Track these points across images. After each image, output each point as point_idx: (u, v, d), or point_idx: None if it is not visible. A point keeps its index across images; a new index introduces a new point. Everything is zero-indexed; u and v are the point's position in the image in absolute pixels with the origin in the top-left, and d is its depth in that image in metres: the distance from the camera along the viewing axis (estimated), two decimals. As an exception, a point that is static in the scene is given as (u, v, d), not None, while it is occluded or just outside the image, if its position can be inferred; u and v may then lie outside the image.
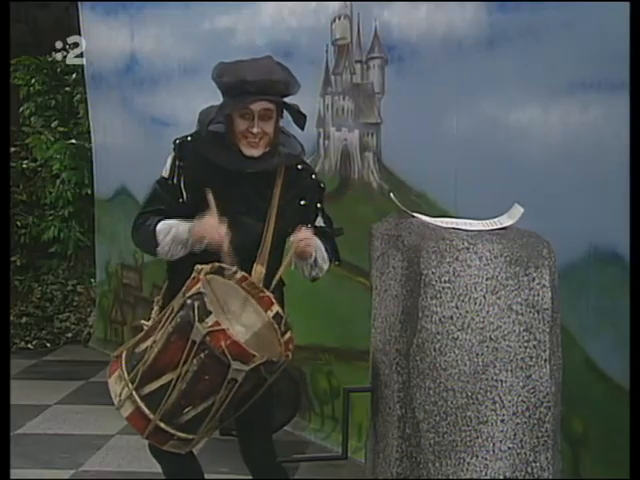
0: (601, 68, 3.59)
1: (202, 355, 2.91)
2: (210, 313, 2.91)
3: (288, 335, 3.16)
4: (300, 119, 3.41)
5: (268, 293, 3.22)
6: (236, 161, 3.34)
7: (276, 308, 3.19)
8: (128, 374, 3.03)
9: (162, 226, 3.34)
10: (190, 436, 3.07)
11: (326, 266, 3.43)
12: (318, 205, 3.48)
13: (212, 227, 3.23)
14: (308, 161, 3.74)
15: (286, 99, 3.37)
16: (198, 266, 3.09)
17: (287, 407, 3.37)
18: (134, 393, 3.00)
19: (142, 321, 3.36)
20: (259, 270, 3.29)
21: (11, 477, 3.30)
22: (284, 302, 3.48)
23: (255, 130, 3.29)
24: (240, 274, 3.20)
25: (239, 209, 3.35)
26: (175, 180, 3.43)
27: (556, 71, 3.79)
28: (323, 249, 3.40)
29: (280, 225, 3.35)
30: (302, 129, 3.44)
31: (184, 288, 3.07)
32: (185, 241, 3.29)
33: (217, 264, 3.14)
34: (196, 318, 2.91)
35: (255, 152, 3.32)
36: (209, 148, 3.40)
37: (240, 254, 3.27)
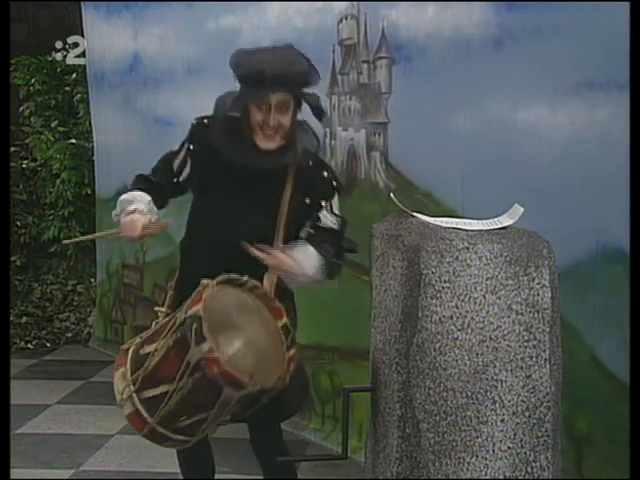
0: (608, 68, 3.60)
1: (196, 375, 2.92)
2: (205, 339, 2.90)
3: (292, 351, 3.14)
4: (319, 110, 3.35)
5: (279, 304, 3.19)
6: (249, 155, 3.29)
7: (285, 320, 3.17)
8: (131, 374, 3.05)
9: (125, 196, 3.36)
10: (188, 438, 3.10)
11: (320, 274, 3.33)
12: (323, 203, 3.40)
13: (131, 226, 3.23)
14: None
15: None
16: (204, 281, 3.05)
17: (297, 395, 3.35)
18: (134, 395, 3.02)
19: (156, 307, 3.37)
20: (270, 279, 3.25)
21: (11, 477, 3.30)
22: (295, 307, 3.47)
23: (271, 122, 3.23)
24: (251, 283, 3.17)
25: (247, 205, 3.32)
26: (180, 160, 3.42)
27: (563, 71, 3.79)
28: (314, 258, 3.30)
29: (290, 228, 3.32)
30: (320, 120, 3.40)
31: (188, 301, 3.04)
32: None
33: (227, 275, 3.12)
34: (192, 341, 2.91)
35: (271, 145, 3.27)
36: (223, 140, 3.35)
37: (242, 256, 3.23)
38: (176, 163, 3.43)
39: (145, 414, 3.02)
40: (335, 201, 3.43)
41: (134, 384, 3.02)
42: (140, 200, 3.32)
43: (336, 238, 3.42)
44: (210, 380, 2.91)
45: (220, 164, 3.32)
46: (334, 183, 3.44)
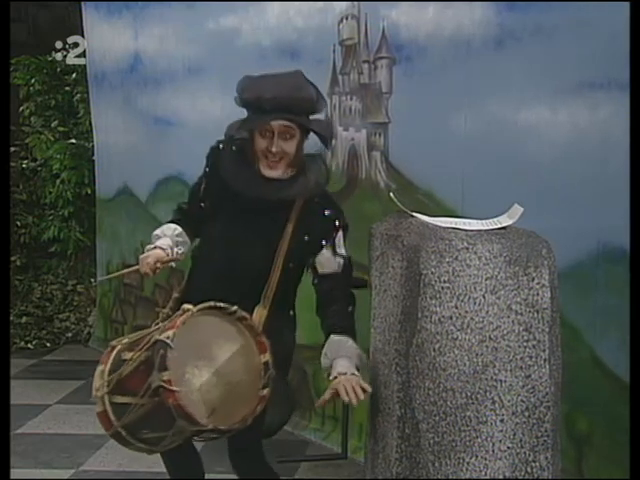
0: (610, 68, 3.60)
1: (155, 399, 2.95)
2: (167, 369, 2.91)
3: (266, 391, 3.11)
4: (326, 139, 3.30)
5: (265, 340, 3.15)
6: (254, 184, 3.25)
7: (267, 357, 3.13)
8: (109, 375, 3.08)
9: (156, 231, 3.42)
10: (151, 448, 3.15)
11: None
12: (323, 242, 3.30)
13: (144, 263, 3.26)
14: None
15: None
16: (185, 306, 3.05)
17: (279, 411, 3.32)
18: (106, 397, 3.07)
19: (158, 308, 3.38)
20: (261, 313, 3.22)
21: (11, 477, 3.30)
22: (296, 326, 3.45)
23: (274, 149, 3.18)
24: (240, 313, 3.14)
25: (251, 235, 3.29)
26: (203, 185, 3.42)
27: (564, 71, 3.79)
28: (349, 347, 3.21)
29: (289, 262, 3.28)
30: (327, 148, 3.36)
31: (167, 322, 3.05)
32: None
33: (213, 303, 3.09)
34: (156, 366, 2.93)
35: (274, 173, 3.22)
36: (228, 167, 3.31)
37: (240, 283, 3.24)
38: (201, 188, 3.44)
39: (112, 417, 3.07)
40: (339, 239, 3.33)
41: (108, 385, 3.06)
42: (168, 234, 3.37)
43: (341, 281, 3.33)
44: (167, 407, 2.93)
45: (228, 191, 3.30)
46: (336, 222, 3.33)
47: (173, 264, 3.37)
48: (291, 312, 3.43)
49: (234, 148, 3.32)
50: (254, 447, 3.42)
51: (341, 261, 3.33)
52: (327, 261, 3.32)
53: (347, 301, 3.32)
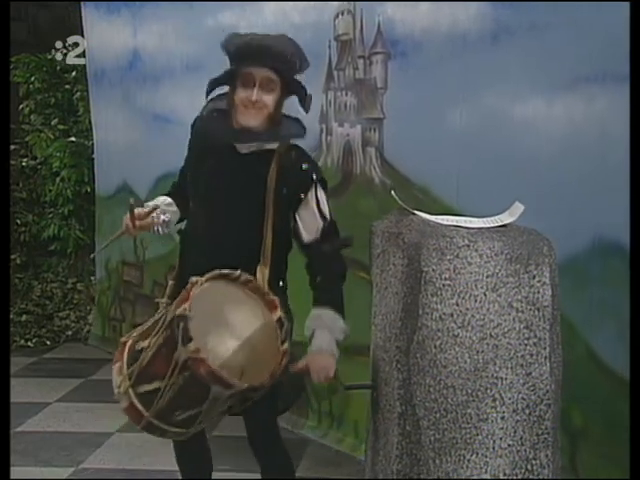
0: (605, 62, 3.59)
1: (185, 373, 2.95)
2: (192, 339, 2.92)
3: (286, 345, 3.12)
4: (306, 99, 3.30)
5: (273, 297, 3.18)
6: (231, 133, 3.27)
7: (279, 313, 3.16)
8: (127, 368, 3.08)
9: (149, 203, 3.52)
10: (185, 430, 3.13)
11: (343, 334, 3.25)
12: (302, 196, 3.27)
13: (124, 219, 3.38)
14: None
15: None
16: (193, 278, 3.06)
17: (292, 389, 3.34)
18: (130, 390, 3.06)
19: (157, 299, 3.39)
20: (262, 272, 3.22)
21: (11, 475, 3.30)
22: (288, 305, 3.46)
23: (254, 97, 3.19)
24: (244, 277, 3.16)
25: (231, 192, 3.31)
26: (187, 154, 3.50)
27: (560, 65, 3.79)
28: (338, 323, 3.21)
29: (275, 217, 3.27)
30: (306, 111, 3.34)
31: (178, 299, 3.06)
32: None
33: (217, 271, 3.12)
34: (180, 340, 2.93)
35: (252, 121, 3.22)
36: (207, 121, 3.38)
37: (234, 246, 3.27)
38: (186, 159, 3.53)
39: (141, 408, 3.05)
40: (313, 196, 3.28)
41: (130, 379, 3.06)
42: (158, 203, 3.48)
43: (324, 249, 3.30)
44: (199, 378, 2.93)
45: (208, 150, 3.35)
46: (313, 176, 3.30)
47: (162, 231, 3.48)
48: (281, 283, 3.39)
49: (215, 115, 3.36)
50: (271, 425, 3.43)
51: (321, 225, 3.30)
52: (310, 222, 3.29)
53: (332, 271, 3.31)
